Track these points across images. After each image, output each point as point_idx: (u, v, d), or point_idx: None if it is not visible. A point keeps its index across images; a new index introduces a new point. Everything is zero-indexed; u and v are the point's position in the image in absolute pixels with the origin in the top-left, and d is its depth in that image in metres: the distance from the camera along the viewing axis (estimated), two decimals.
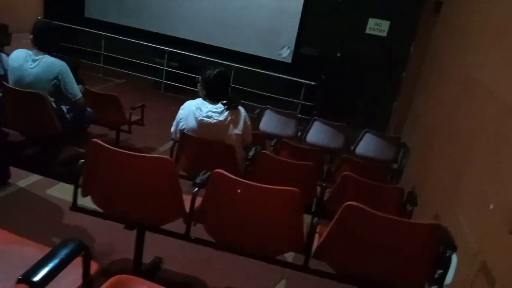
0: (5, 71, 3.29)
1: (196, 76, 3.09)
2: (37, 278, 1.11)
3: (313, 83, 6.64)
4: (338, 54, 6.92)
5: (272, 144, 4.56)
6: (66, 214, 2.75)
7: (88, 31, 7.31)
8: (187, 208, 2.10)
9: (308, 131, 5.00)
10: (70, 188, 2.18)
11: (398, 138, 4.93)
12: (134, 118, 4.24)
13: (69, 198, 2.21)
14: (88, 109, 3.61)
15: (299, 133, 5.09)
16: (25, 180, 3.15)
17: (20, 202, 2.94)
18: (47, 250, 1.24)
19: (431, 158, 3.55)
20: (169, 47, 7.15)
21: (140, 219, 2.22)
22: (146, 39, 7.30)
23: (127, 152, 2.01)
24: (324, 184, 3.31)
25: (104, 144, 2.03)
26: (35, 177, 3.21)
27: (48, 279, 1.13)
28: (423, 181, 3.52)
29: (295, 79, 6.73)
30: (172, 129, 3.14)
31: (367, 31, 6.79)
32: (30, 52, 3.14)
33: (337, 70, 6.98)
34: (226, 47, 7.34)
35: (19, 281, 1.11)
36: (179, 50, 7.12)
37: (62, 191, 3.01)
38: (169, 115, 3.34)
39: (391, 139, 4.86)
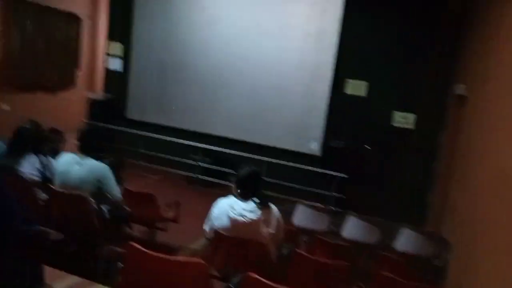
0: (52, 174, 3.51)
1: (230, 171, 3.20)
2: None
3: (343, 175, 6.67)
4: (367, 147, 7.00)
5: (305, 240, 4.49)
6: None
7: (128, 131, 7.83)
8: None
9: (342, 226, 4.92)
10: None
11: (436, 233, 4.75)
12: (169, 215, 4.32)
13: None
14: (126, 208, 3.74)
15: (333, 227, 5.01)
16: (61, 282, 3.16)
17: None
18: None
19: (476, 256, 3.37)
20: (203, 143, 7.49)
21: None
22: (182, 135, 7.72)
23: (162, 255, 2.05)
24: (361, 285, 3.17)
25: (140, 247, 2.09)
26: (72, 278, 3.22)
27: None
28: (471, 281, 3.31)
29: (325, 171, 6.80)
30: (205, 226, 3.18)
31: (394, 124, 6.91)
32: (75, 156, 3.37)
33: (367, 162, 7.01)
34: (258, 142, 7.61)
35: None
36: (213, 146, 7.45)
37: None
38: (204, 209, 3.39)
39: (429, 234, 4.68)
